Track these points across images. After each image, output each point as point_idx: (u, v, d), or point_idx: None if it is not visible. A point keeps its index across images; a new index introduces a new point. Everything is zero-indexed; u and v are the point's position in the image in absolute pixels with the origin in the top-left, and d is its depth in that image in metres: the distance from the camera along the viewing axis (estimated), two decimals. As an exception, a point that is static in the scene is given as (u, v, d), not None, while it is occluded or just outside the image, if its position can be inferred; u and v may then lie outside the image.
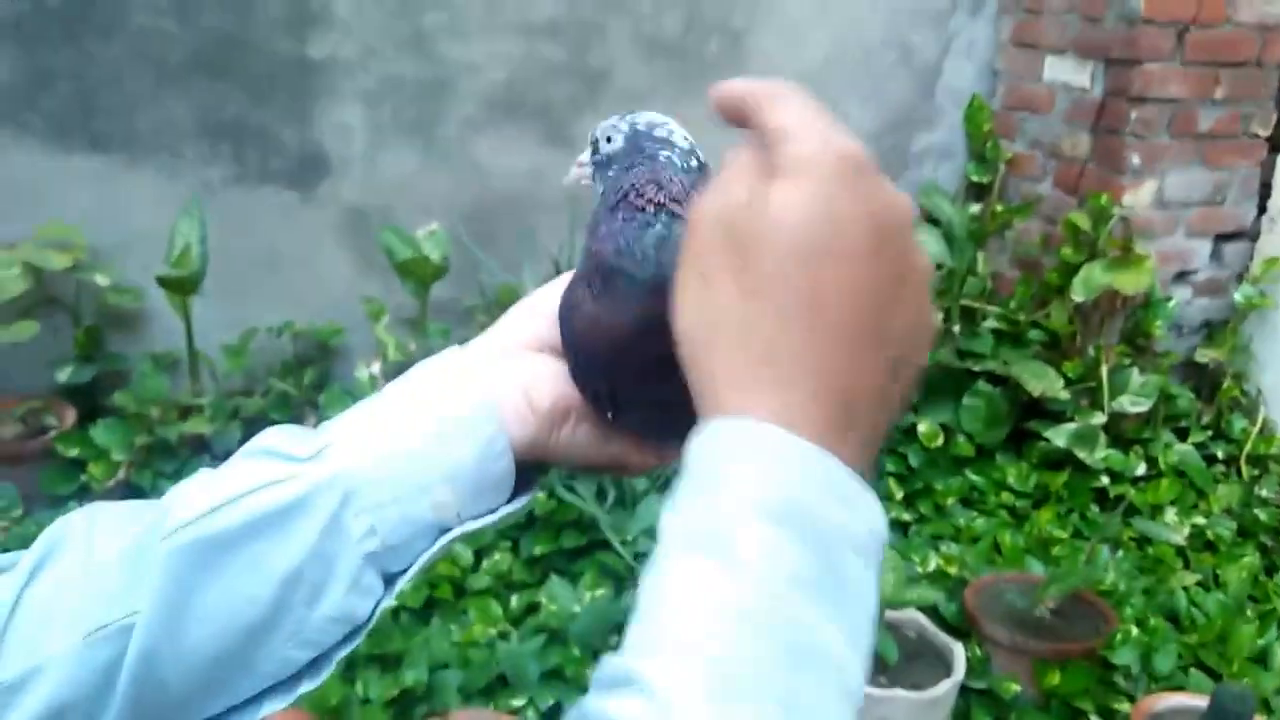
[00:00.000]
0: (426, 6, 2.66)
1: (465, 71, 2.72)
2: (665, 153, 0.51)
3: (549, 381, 0.51)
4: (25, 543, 1.55)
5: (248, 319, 2.65)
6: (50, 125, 2.46)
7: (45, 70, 2.44)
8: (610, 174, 0.53)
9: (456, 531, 0.50)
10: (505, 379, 0.51)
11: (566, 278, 0.54)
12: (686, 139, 0.53)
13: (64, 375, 2.42)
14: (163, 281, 2.32)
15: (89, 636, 0.45)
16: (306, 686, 0.50)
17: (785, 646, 0.33)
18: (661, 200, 0.49)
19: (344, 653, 0.50)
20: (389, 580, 0.49)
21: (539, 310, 0.53)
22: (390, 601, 0.50)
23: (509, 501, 0.51)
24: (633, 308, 0.47)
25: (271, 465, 0.48)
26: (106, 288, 2.43)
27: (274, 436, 0.50)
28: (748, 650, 0.33)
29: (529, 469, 0.52)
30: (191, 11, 2.51)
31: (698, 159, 0.52)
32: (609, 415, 0.52)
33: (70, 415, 2.39)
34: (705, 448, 0.38)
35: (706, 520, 0.36)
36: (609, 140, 0.53)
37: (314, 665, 0.49)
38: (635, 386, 0.49)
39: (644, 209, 0.49)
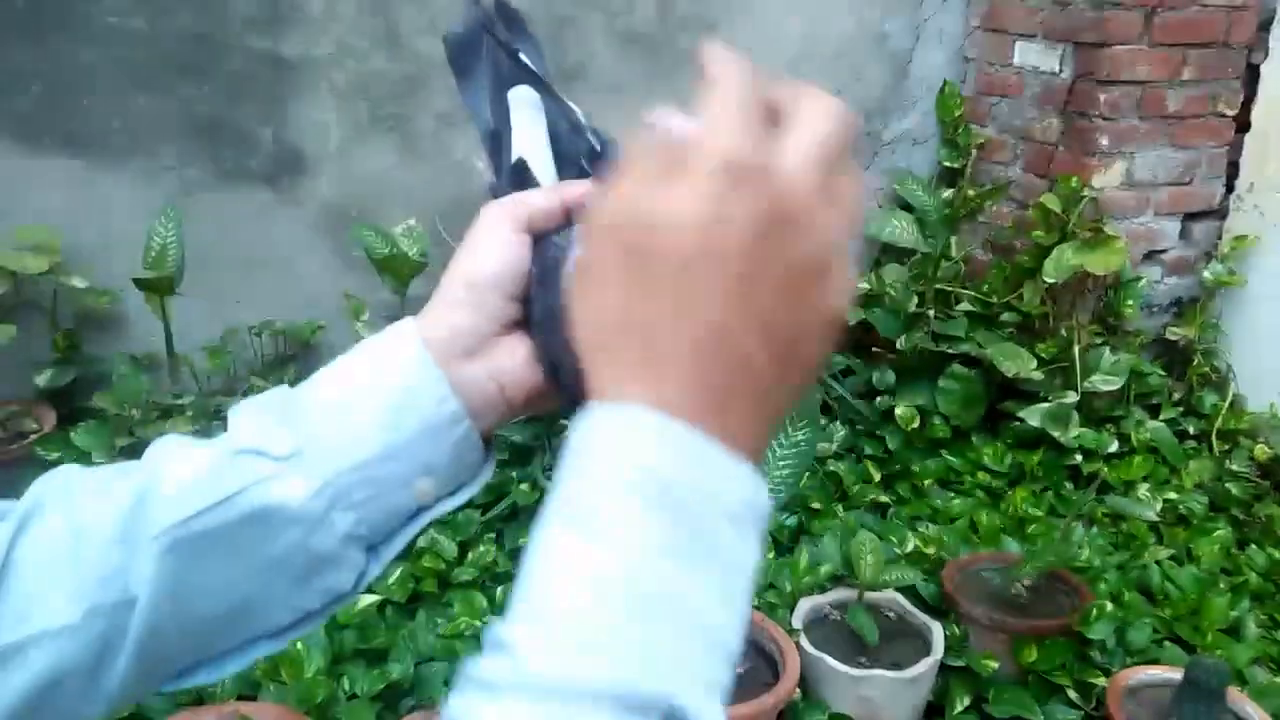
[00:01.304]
0: (399, 2, 2.67)
1: (440, 67, 2.72)
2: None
3: (521, 370, 0.53)
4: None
5: (227, 318, 2.65)
6: (23, 127, 2.46)
7: (16, 71, 2.43)
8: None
9: (435, 511, 0.54)
10: (477, 376, 0.52)
11: (490, 236, 0.53)
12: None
13: (43, 379, 2.42)
14: (140, 283, 2.32)
15: (87, 612, 0.48)
16: (298, 634, 0.54)
17: (641, 601, 0.36)
18: None
19: (338, 608, 0.54)
20: (371, 549, 0.53)
21: (487, 286, 0.53)
22: (378, 572, 0.53)
23: (479, 474, 0.56)
24: None
25: (254, 463, 0.50)
26: (84, 290, 2.43)
27: (250, 431, 0.51)
28: (603, 608, 0.36)
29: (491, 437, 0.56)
30: (164, 11, 2.50)
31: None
32: (572, 393, 0.51)
33: (50, 418, 2.39)
34: (581, 432, 0.40)
35: (574, 496, 0.39)
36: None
37: (306, 618, 0.53)
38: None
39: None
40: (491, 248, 0.53)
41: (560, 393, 0.53)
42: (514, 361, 0.53)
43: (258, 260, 2.71)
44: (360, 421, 0.51)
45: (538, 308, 0.52)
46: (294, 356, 2.73)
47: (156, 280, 2.31)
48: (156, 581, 0.49)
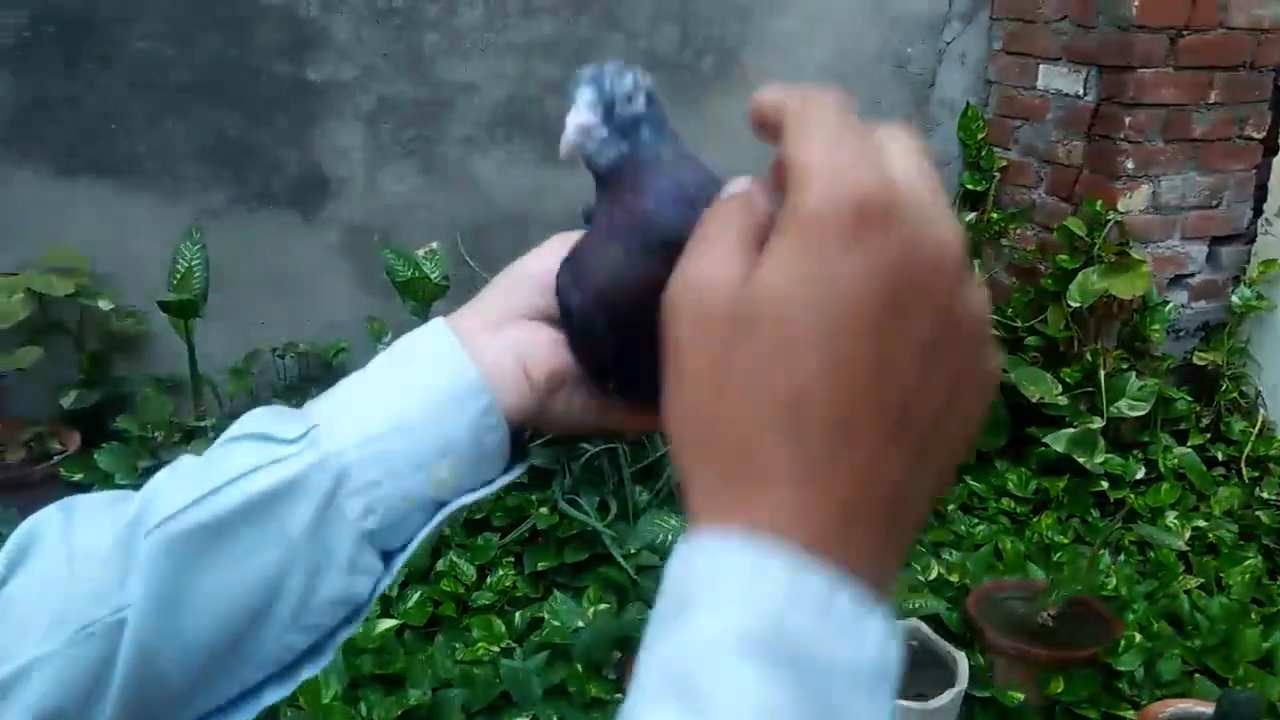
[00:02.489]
0: (425, 28, 2.69)
1: (463, 91, 2.75)
2: (663, 112, 0.49)
3: (545, 349, 0.50)
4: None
5: (251, 340, 2.67)
6: (53, 152, 2.49)
7: (47, 97, 2.46)
8: (643, 139, 0.48)
9: (454, 505, 0.49)
10: (499, 348, 0.50)
11: (553, 246, 0.51)
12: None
13: (68, 400, 2.43)
14: (164, 305, 2.34)
15: (77, 634, 0.44)
16: (308, 673, 0.49)
17: None
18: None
19: (345, 635, 0.49)
20: (388, 558, 0.49)
21: (530, 277, 0.51)
22: (390, 580, 0.49)
23: (505, 472, 0.51)
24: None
25: (259, 448, 0.47)
26: (110, 312, 2.45)
27: (259, 418, 0.49)
28: None
29: (522, 437, 0.52)
30: (191, 37, 2.53)
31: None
32: (610, 385, 0.50)
33: (75, 440, 2.41)
34: (676, 570, 0.33)
35: (676, 658, 0.31)
36: (630, 100, 0.48)
37: (314, 650, 0.49)
38: (642, 352, 0.44)
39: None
40: (552, 248, 0.51)
41: (593, 375, 0.50)
42: (536, 339, 0.50)
43: (282, 282, 2.73)
44: (370, 394, 0.49)
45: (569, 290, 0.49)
46: (317, 378, 2.74)
47: (180, 303, 2.33)
48: (149, 587, 0.44)
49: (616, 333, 0.48)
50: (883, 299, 0.31)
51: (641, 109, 0.48)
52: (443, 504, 0.49)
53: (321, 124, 2.68)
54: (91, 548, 0.46)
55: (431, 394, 0.48)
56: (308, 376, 2.73)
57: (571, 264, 0.49)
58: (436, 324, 0.50)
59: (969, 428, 0.34)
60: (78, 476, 2.27)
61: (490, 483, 0.50)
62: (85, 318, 2.50)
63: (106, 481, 2.26)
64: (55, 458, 2.36)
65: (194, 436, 2.38)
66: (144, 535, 0.45)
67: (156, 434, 2.33)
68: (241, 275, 2.62)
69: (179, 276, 2.36)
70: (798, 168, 0.32)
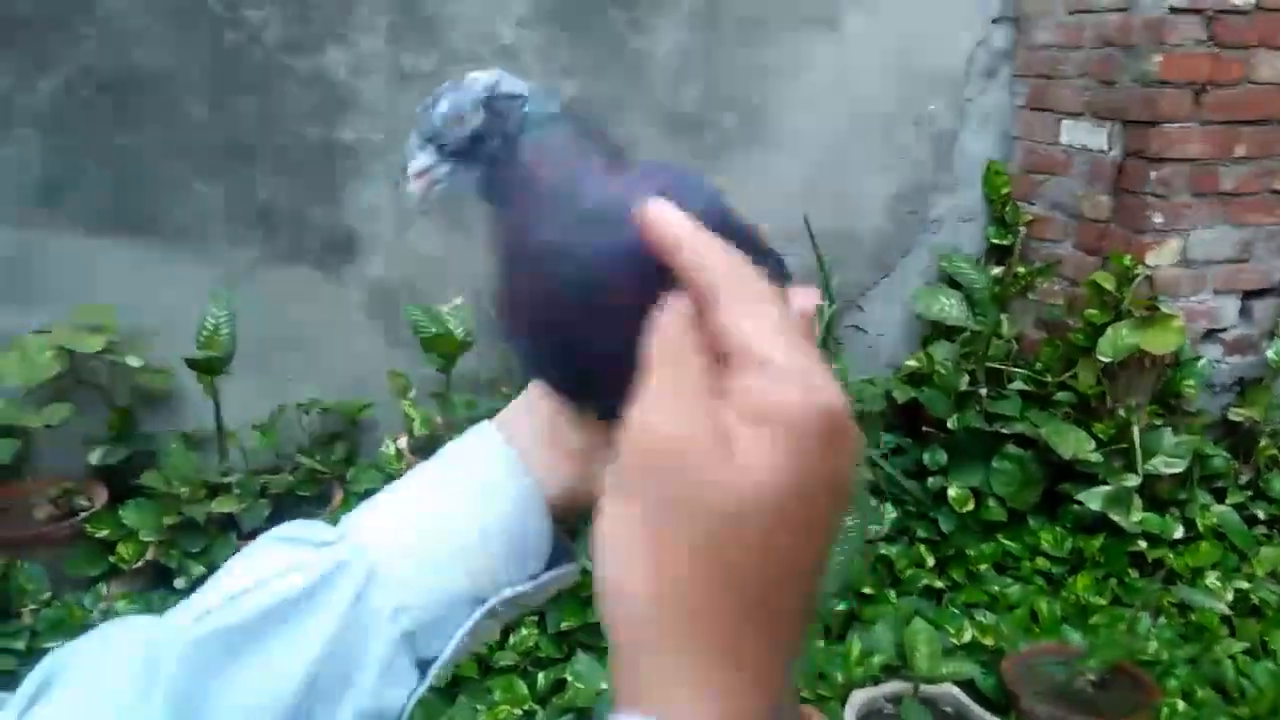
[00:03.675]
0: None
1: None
2: (529, 106, 0.46)
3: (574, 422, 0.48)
4: (53, 626, 1.56)
5: (278, 396, 2.68)
6: (85, 211, 2.53)
7: (80, 158, 2.51)
8: (491, 152, 0.45)
9: (494, 600, 0.46)
10: (534, 426, 0.48)
11: None
12: (528, 82, 0.47)
13: (96, 456, 2.44)
14: (191, 363, 2.36)
15: None
16: None
17: None
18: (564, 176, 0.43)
19: None
20: (423, 667, 0.46)
21: None
22: (424, 691, 0.46)
23: (550, 567, 0.48)
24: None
25: (292, 551, 0.46)
26: (139, 368, 2.47)
27: (291, 526, 0.48)
28: None
29: (567, 535, 0.49)
30: (223, 99, 2.58)
31: (554, 98, 0.47)
32: (592, 412, 0.47)
33: (102, 496, 2.41)
34: None
35: None
36: (460, 121, 0.45)
37: None
38: (583, 363, 0.43)
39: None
40: None
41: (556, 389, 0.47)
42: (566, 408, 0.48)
43: (308, 339, 2.75)
44: (404, 491, 0.47)
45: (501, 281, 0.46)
46: (342, 434, 2.74)
47: (207, 360, 2.34)
48: (170, 698, 0.42)
49: (543, 347, 0.45)
50: (830, 505, 0.34)
51: (478, 123, 0.45)
52: (482, 601, 0.46)
53: (351, 184, 2.72)
54: (114, 674, 0.43)
55: (467, 482, 0.46)
56: (333, 432, 2.73)
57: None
58: (479, 425, 0.50)
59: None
60: (103, 533, 2.27)
61: (535, 577, 0.48)
62: (114, 374, 2.52)
63: (130, 538, 2.26)
64: (81, 514, 2.36)
65: (218, 492, 2.38)
66: (171, 640, 0.43)
67: (182, 490, 2.33)
68: (269, 332, 2.64)
69: (206, 335, 2.38)
70: (747, 346, 0.34)
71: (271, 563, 0.45)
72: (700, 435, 0.33)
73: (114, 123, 2.52)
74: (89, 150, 2.51)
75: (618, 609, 0.34)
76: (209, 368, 2.37)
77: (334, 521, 0.49)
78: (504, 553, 0.46)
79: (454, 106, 0.45)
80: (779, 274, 0.50)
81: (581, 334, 0.42)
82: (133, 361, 2.45)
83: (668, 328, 0.36)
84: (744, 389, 0.34)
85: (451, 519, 0.46)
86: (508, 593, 0.47)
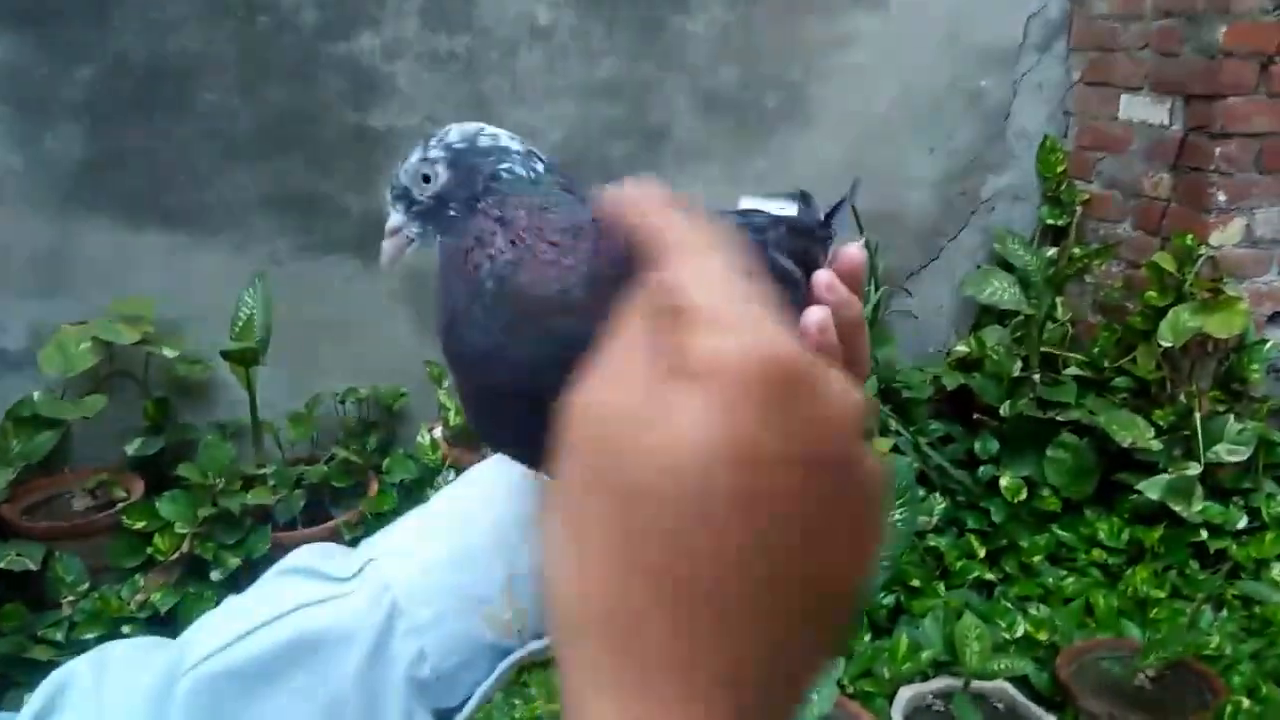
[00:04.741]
0: (485, 72, 2.68)
1: (525, 135, 2.72)
2: (504, 165, 0.43)
3: None
4: (92, 618, 1.54)
5: (313, 385, 2.66)
6: (122, 203, 2.53)
7: (116, 150, 2.50)
8: (451, 215, 0.43)
9: (518, 654, 0.43)
10: None
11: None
12: (514, 138, 0.44)
13: (133, 447, 2.44)
14: (225, 354, 2.34)
15: None
16: None
17: None
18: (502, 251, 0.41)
19: None
20: (440, 717, 0.43)
21: None
22: None
23: None
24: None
25: (307, 585, 0.43)
26: (175, 359, 2.46)
27: (308, 556, 0.45)
28: None
29: None
30: (256, 87, 2.56)
31: (541, 161, 0.44)
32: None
33: (139, 487, 2.41)
34: None
35: None
36: (427, 180, 0.43)
37: None
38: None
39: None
40: None
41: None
42: None
43: (344, 328, 2.72)
44: (429, 525, 0.44)
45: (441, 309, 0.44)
46: (377, 423, 2.72)
47: (241, 351, 2.33)
48: None
49: (480, 425, 0.42)
50: (792, 476, 0.28)
51: (440, 185, 0.43)
52: (507, 653, 0.43)
53: (385, 170, 2.68)
54: (122, 702, 0.42)
55: (495, 521, 0.43)
56: (368, 422, 2.71)
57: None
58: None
59: (860, 587, 0.30)
60: (140, 524, 2.27)
61: None
62: (151, 365, 2.51)
63: (167, 529, 2.25)
64: (119, 505, 2.36)
65: (253, 484, 2.36)
66: (178, 678, 0.41)
67: (218, 481, 2.31)
68: (304, 321, 2.62)
69: (240, 325, 2.36)
70: (688, 297, 0.29)
71: (289, 596, 0.43)
72: (627, 402, 0.28)
73: (148, 112, 2.51)
74: (123, 140, 2.51)
75: (550, 612, 0.29)
76: (243, 358, 2.35)
77: (371, 517, 0.46)
78: (531, 602, 0.43)
79: (421, 163, 0.43)
80: (809, 229, 0.48)
81: (506, 422, 0.40)
82: (169, 352, 2.45)
83: (632, 307, 0.32)
84: (679, 345, 0.28)
85: (479, 560, 0.43)
86: (534, 645, 0.44)
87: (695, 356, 0.28)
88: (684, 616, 0.27)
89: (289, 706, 0.41)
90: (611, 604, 0.27)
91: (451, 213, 0.43)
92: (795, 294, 0.45)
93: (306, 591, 0.42)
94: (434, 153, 0.43)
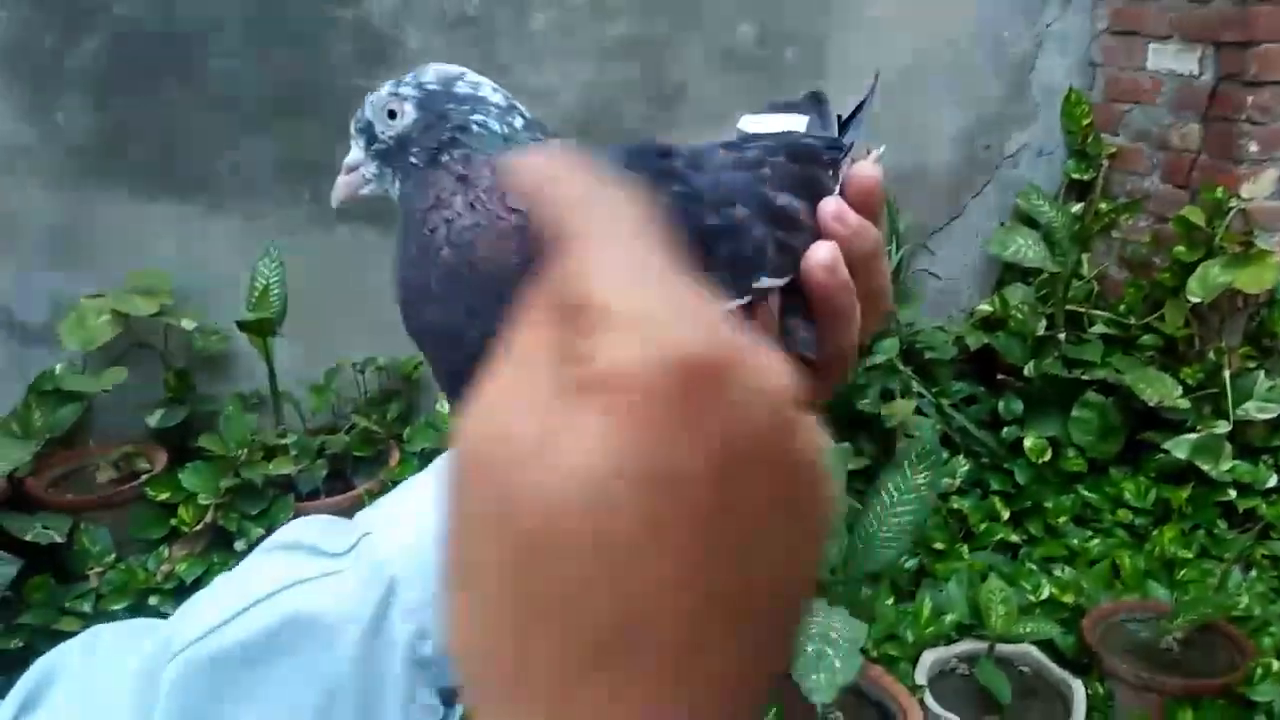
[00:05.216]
0: (497, 34, 2.64)
1: (538, 97, 2.68)
2: (477, 117, 0.40)
3: None
4: (118, 589, 1.55)
5: (332, 355, 2.65)
6: (135, 174, 2.51)
7: (128, 121, 2.48)
8: (412, 162, 0.40)
9: None
10: None
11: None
12: (497, 90, 0.41)
13: (155, 419, 2.45)
14: (242, 325, 2.34)
15: None
16: None
17: None
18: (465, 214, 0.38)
19: None
20: (446, 696, 0.41)
21: None
22: None
23: None
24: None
25: (299, 561, 0.41)
26: (193, 331, 2.46)
27: (300, 529, 0.43)
28: None
29: None
30: (266, 53, 2.53)
31: (522, 117, 0.40)
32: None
33: (162, 459, 2.42)
34: None
35: None
36: (392, 116, 0.40)
37: None
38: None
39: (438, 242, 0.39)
40: None
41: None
42: None
43: (361, 297, 2.69)
44: (428, 495, 0.42)
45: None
46: (397, 392, 2.72)
47: (258, 321, 2.32)
48: None
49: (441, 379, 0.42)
50: (709, 486, 0.24)
51: (408, 123, 0.40)
52: None
53: (397, 135, 2.65)
54: (110, 686, 0.40)
55: None
56: (388, 391, 2.71)
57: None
58: None
59: (807, 589, 0.27)
60: (163, 496, 2.28)
61: None
62: (170, 337, 2.51)
63: (190, 501, 2.27)
64: (143, 476, 2.37)
65: (275, 454, 2.37)
66: (167, 662, 0.39)
67: (240, 452, 2.32)
68: (322, 291, 2.61)
69: (257, 295, 2.35)
70: (593, 307, 0.25)
71: (279, 574, 0.41)
72: (517, 427, 0.24)
73: (157, 81, 2.48)
74: (133, 110, 2.48)
75: (455, 667, 0.26)
76: (260, 329, 2.35)
77: (393, 485, 0.45)
78: None
79: (388, 96, 0.40)
80: (813, 152, 0.46)
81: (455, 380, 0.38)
82: (187, 324, 2.44)
83: (531, 316, 0.27)
84: (579, 353, 0.25)
85: None
86: None
87: (593, 366, 0.24)
88: (603, 680, 0.23)
89: (282, 691, 0.39)
90: (516, 671, 0.24)
91: (412, 159, 0.40)
92: (795, 234, 0.42)
93: (299, 568, 0.40)
94: (405, 89, 0.41)
